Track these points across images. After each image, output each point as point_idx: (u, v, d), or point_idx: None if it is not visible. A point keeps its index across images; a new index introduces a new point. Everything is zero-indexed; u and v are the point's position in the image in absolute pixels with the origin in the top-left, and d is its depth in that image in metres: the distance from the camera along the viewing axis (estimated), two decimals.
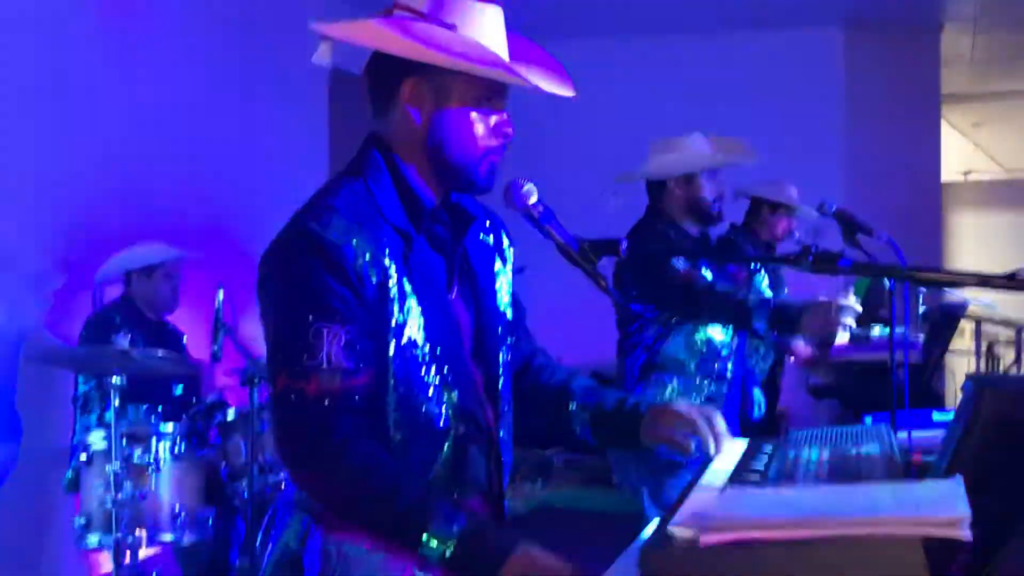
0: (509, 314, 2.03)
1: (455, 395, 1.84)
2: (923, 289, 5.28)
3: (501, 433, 1.95)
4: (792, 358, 5.38)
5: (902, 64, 8.17)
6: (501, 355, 1.96)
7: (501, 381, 1.96)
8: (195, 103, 5.81)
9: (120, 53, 5.30)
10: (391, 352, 1.78)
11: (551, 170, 5.09)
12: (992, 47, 8.78)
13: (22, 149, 4.69)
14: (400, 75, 1.82)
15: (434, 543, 1.64)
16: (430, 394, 1.82)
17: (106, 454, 3.92)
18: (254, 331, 4.74)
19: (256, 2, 6.44)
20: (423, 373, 1.81)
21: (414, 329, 1.80)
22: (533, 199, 1.89)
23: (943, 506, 1.29)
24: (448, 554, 1.63)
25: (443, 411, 1.83)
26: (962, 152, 11.83)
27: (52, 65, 4.88)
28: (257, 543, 4.24)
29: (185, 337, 4.93)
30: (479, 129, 1.83)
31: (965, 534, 1.24)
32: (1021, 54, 8.89)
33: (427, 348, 1.81)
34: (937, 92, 8.27)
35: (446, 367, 1.83)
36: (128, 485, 3.91)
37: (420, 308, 1.81)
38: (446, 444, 1.84)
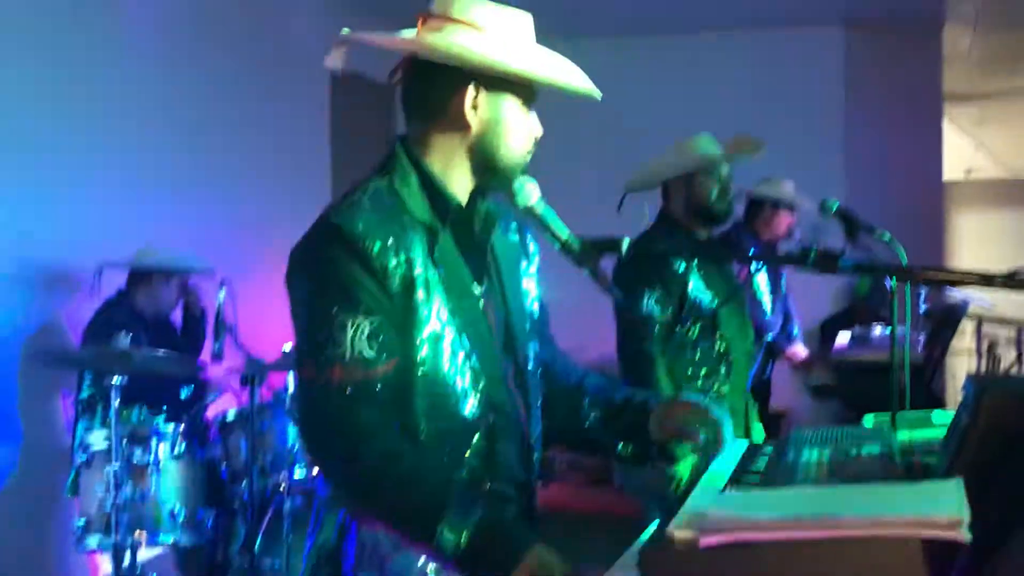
0: (536, 311, 2.08)
1: (484, 386, 1.87)
2: (924, 289, 5.27)
3: (531, 426, 1.98)
4: (786, 360, 5.36)
5: (903, 63, 8.15)
6: (530, 349, 2.01)
7: (530, 375, 1.99)
8: (195, 103, 5.81)
9: (121, 52, 5.30)
10: (417, 344, 1.81)
11: (552, 169, 5.09)
12: (993, 45, 8.77)
13: (23, 150, 4.69)
14: (458, 83, 1.87)
15: (449, 534, 1.65)
16: (459, 385, 1.85)
17: (106, 455, 3.92)
18: (254, 331, 4.77)
19: (256, 3, 6.43)
20: (451, 364, 1.84)
21: (441, 321, 1.83)
22: (535, 197, 1.92)
23: (943, 507, 1.28)
24: (461, 546, 1.65)
25: (473, 402, 1.86)
26: (964, 151, 11.82)
27: (54, 65, 4.88)
28: (257, 544, 4.24)
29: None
30: (525, 132, 1.92)
31: (965, 535, 1.23)
32: (1022, 52, 8.89)
33: (455, 340, 1.85)
34: (938, 91, 8.26)
35: (475, 358, 1.86)
36: (128, 486, 3.91)
37: (446, 301, 1.84)
38: (477, 435, 1.86)
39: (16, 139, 4.67)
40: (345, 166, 6.92)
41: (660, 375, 3.53)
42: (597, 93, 1.93)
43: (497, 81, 1.85)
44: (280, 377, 4.65)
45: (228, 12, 6.12)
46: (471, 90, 1.86)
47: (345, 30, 1.90)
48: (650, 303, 3.55)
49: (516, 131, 1.90)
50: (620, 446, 2.09)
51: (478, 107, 1.87)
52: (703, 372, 3.65)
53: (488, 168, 1.91)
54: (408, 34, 1.91)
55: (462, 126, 1.88)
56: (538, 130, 1.94)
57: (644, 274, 3.57)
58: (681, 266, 3.61)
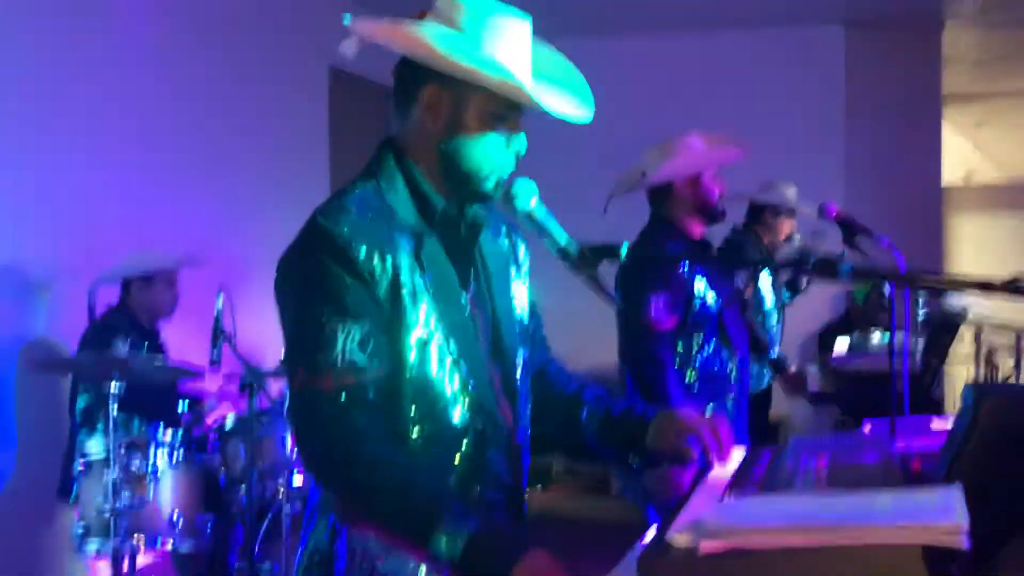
0: (526, 318, 2.06)
1: (472, 392, 1.86)
2: (923, 295, 5.27)
3: (520, 432, 1.97)
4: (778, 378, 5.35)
5: (903, 64, 8.16)
6: (519, 355, 1.99)
7: (519, 381, 1.98)
8: (195, 104, 5.81)
9: (120, 55, 5.30)
10: (405, 349, 1.80)
11: (551, 171, 5.08)
12: (993, 46, 8.77)
13: (21, 155, 4.69)
14: (422, 81, 1.85)
15: (444, 541, 1.65)
16: (447, 390, 1.84)
17: (104, 462, 3.91)
18: (253, 337, 4.77)
19: (256, 2, 6.44)
20: (439, 369, 1.83)
21: (429, 326, 1.82)
22: (533, 201, 1.92)
23: (942, 514, 1.28)
24: (457, 554, 1.64)
25: (461, 407, 1.85)
26: (963, 153, 11.81)
27: (51, 68, 4.87)
28: (255, 549, 4.24)
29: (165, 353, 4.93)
30: (492, 144, 1.86)
31: (963, 542, 1.23)
32: (1021, 53, 8.88)
33: (442, 344, 1.84)
34: (938, 92, 8.25)
35: (462, 363, 1.85)
36: (127, 492, 3.90)
37: (434, 305, 1.83)
38: (465, 440, 1.86)
39: (14, 140, 4.66)
40: (344, 168, 6.91)
41: (670, 380, 3.52)
42: (570, 112, 1.90)
43: (459, 83, 1.81)
44: (278, 384, 4.65)
45: (226, 13, 6.12)
46: (430, 87, 1.84)
47: (353, 21, 1.87)
48: (658, 307, 3.55)
49: (480, 140, 1.85)
50: (629, 456, 2.08)
51: (436, 106, 1.85)
52: (708, 377, 3.65)
53: (454, 174, 1.88)
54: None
55: (428, 126, 1.87)
56: (519, 146, 1.89)
57: (650, 278, 3.56)
58: (686, 269, 3.61)
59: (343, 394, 1.74)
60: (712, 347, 3.65)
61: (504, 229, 2.07)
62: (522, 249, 2.11)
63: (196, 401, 4.86)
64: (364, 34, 1.86)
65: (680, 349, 3.61)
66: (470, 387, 1.86)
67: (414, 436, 1.82)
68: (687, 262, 3.64)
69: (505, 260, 2.05)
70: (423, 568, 1.80)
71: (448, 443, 1.85)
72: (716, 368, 3.66)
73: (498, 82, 1.79)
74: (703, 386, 3.63)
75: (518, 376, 1.98)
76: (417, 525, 1.68)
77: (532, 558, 1.61)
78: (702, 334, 3.63)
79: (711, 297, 3.64)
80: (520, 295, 2.06)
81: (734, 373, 3.70)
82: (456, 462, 1.85)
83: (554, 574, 1.60)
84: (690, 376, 3.61)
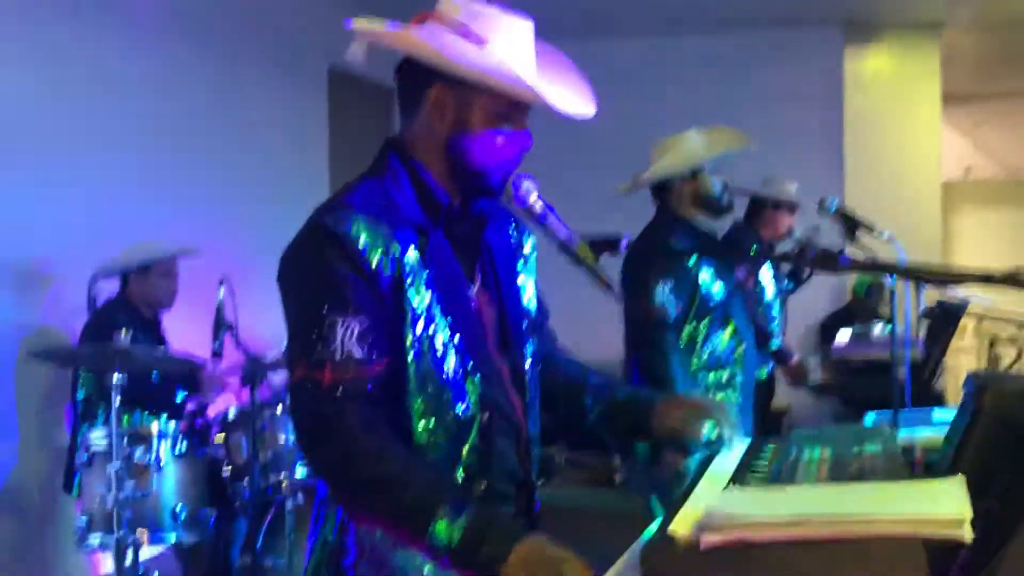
0: (533, 310, 2.08)
1: (479, 384, 1.87)
2: (924, 287, 5.28)
3: (529, 424, 1.99)
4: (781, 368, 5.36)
5: (902, 64, 8.16)
6: (528, 348, 2.01)
7: (528, 373, 2.00)
8: (195, 101, 5.81)
9: (120, 52, 5.30)
10: (408, 343, 1.81)
11: (551, 168, 5.09)
12: (993, 46, 8.78)
13: (20, 147, 4.69)
14: (427, 81, 1.86)
15: (442, 530, 1.65)
16: (452, 383, 1.85)
17: (107, 454, 3.91)
18: (255, 328, 4.77)
19: (256, 3, 6.43)
20: (443, 363, 1.84)
21: (433, 320, 1.83)
22: (533, 196, 1.93)
23: (945, 505, 1.28)
24: (455, 542, 1.65)
25: (466, 400, 1.86)
26: (962, 151, 11.82)
27: (51, 65, 4.88)
28: (259, 542, 4.24)
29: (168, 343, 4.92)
30: (499, 141, 1.88)
31: (966, 534, 1.23)
32: (1021, 53, 8.89)
33: (447, 338, 1.85)
34: (937, 92, 8.26)
35: (467, 357, 1.86)
36: (129, 484, 3.90)
37: (438, 300, 1.84)
38: (472, 432, 1.87)
39: (13, 135, 4.66)
40: (343, 165, 6.92)
41: (675, 368, 3.54)
42: (574, 110, 1.90)
43: (465, 83, 1.83)
44: (280, 375, 4.65)
45: (226, 12, 6.12)
46: (436, 88, 1.85)
47: (355, 22, 1.88)
48: (664, 294, 3.57)
49: (486, 138, 1.87)
50: (637, 446, 2.10)
51: (443, 106, 1.86)
52: (715, 365, 3.67)
53: (461, 172, 1.89)
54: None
55: (434, 125, 1.88)
56: (525, 142, 1.90)
57: (656, 266, 3.59)
58: (692, 260, 3.63)
59: (341, 388, 1.75)
60: (718, 336, 3.68)
61: (511, 223, 2.09)
62: (528, 242, 2.12)
63: (198, 392, 4.85)
64: (369, 38, 1.88)
65: (686, 338, 3.64)
66: (476, 379, 1.87)
67: (420, 429, 1.83)
68: (695, 254, 3.68)
69: (512, 253, 2.06)
70: (429, 565, 1.80)
71: (456, 435, 1.85)
72: (722, 357, 3.68)
73: (504, 82, 1.80)
74: (709, 375, 3.65)
75: (527, 368, 1.99)
76: (415, 514, 1.68)
77: (528, 543, 1.62)
78: (708, 323, 3.66)
79: (718, 287, 3.67)
80: (527, 287, 2.07)
81: (740, 362, 3.72)
82: (464, 454, 1.86)
83: (549, 558, 1.60)
84: (695, 364, 3.63)
